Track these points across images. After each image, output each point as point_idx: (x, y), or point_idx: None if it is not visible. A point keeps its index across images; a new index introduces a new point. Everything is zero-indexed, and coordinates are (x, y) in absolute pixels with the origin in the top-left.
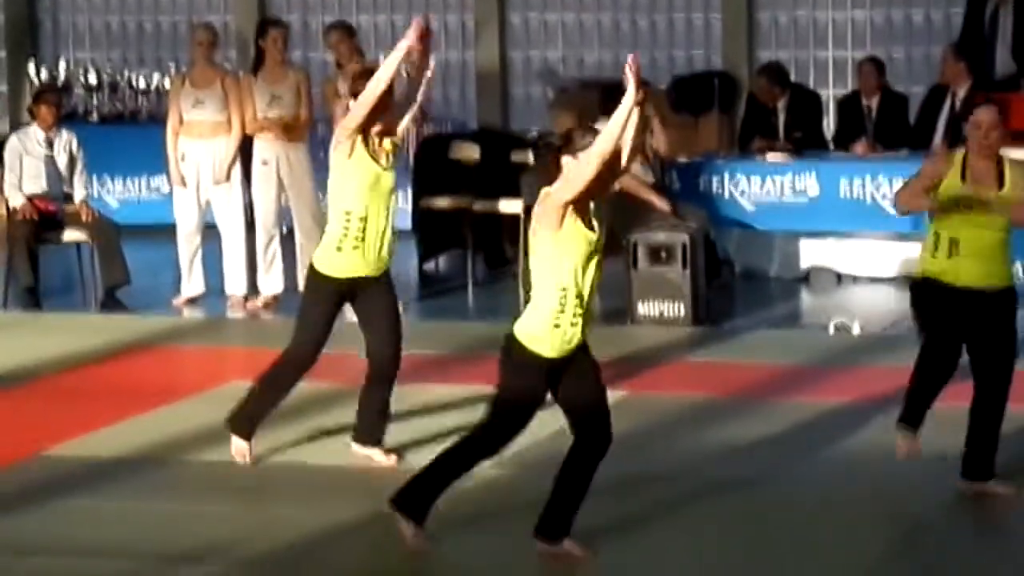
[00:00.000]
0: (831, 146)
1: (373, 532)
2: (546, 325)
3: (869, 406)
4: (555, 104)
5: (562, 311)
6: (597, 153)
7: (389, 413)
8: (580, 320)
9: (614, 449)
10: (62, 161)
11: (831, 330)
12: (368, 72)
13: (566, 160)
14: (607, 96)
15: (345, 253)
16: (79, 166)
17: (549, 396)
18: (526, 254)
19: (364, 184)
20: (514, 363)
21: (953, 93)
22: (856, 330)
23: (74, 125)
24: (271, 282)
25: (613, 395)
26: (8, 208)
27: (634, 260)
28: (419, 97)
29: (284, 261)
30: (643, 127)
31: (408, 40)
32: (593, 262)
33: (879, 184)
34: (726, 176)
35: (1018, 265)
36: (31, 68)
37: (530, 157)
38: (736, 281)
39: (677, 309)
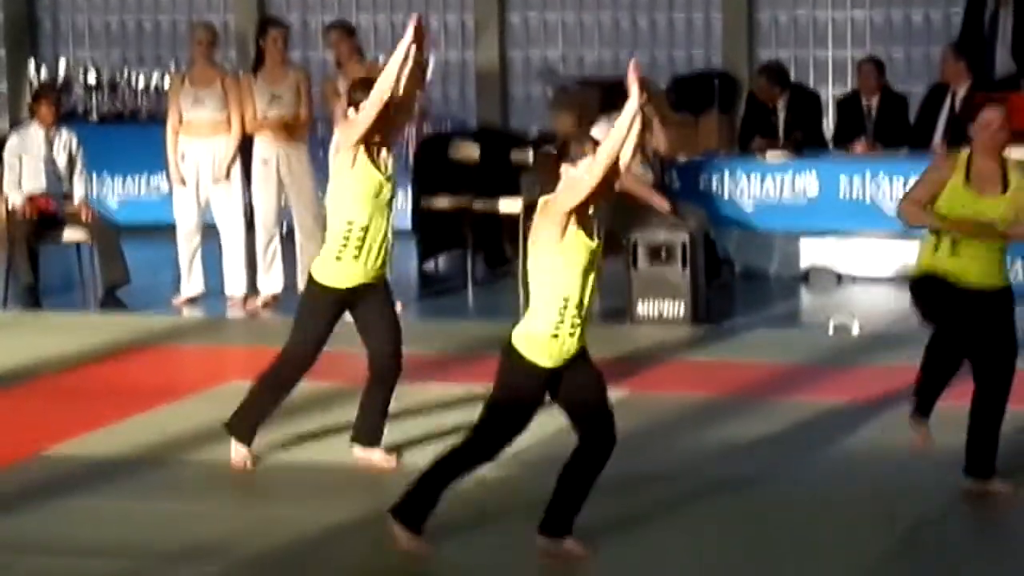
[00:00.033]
0: (831, 146)
1: (373, 531)
2: (545, 335)
3: (868, 405)
4: (555, 103)
5: (561, 321)
6: (601, 161)
7: (388, 414)
8: (579, 329)
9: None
10: (62, 160)
11: (831, 329)
12: (367, 82)
13: (565, 168)
14: (607, 95)
15: (345, 263)
16: (79, 165)
17: (548, 397)
18: (526, 253)
19: (367, 194)
20: (512, 371)
21: (953, 93)
22: (856, 329)
23: (74, 124)
24: (271, 282)
25: (614, 394)
26: (8, 207)
27: (634, 259)
28: (418, 100)
29: (284, 261)
30: (643, 127)
31: (406, 41)
32: (592, 270)
33: (879, 184)
34: (726, 175)
35: (1019, 264)
36: (31, 67)
37: (530, 157)
38: (736, 280)
39: (677, 308)
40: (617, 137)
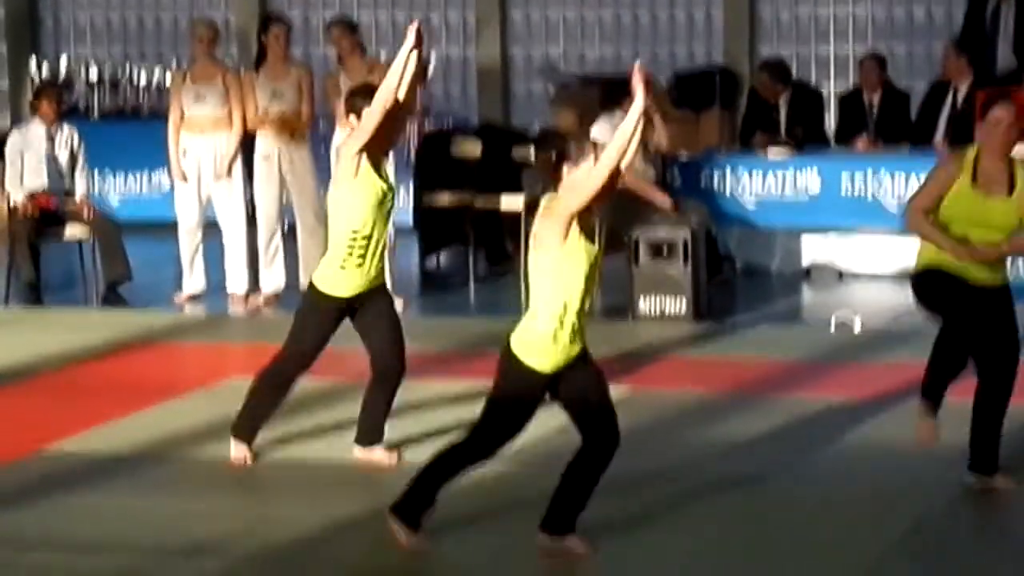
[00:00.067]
0: (832, 142)
1: (374, 528)
2: (544, 339)
3: (870, 402)
4: (556, 100)
5: (561, 326)
6: (607, 163)
7: (389, 414)
8: (579, 333)
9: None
10: (63, 157)
11: (832, 326)
12: (367, 88)
13: (568, 168)
14: (608, 92)
15: (349, 271)
16: (80, 162)
17: (548, 396)
18: (527, 250)
19: (371, 204)
20: (510, 374)
21: (955, 89)
22: (857, 326)
23: (75, 121)
24: (272, 278)
25: (615, 392)
26: (9, 204)
27: (635, 256)
28: (419, 97)
29: (286, 257)
30: (645, 124)
31: (406, 48)
32: (592, 275)
33: (880, 180)
34: (727, 172)
35: (1020, 263)
36: (32, 64)
37: (531, 153)
38: (737, 277)
39: (678, 305)
40: (623, 139)
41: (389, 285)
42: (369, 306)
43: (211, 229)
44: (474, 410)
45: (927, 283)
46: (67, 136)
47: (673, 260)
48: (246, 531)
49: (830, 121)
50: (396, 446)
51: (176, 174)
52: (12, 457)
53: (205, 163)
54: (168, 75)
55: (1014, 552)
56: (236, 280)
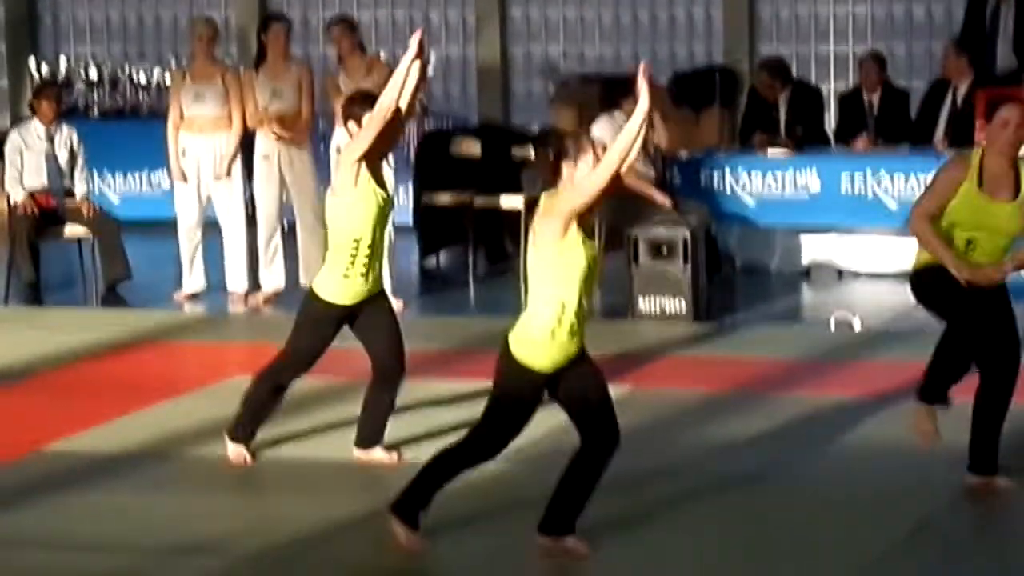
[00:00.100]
0: (832, 141)
1: (373, 527)
2: (542, 337)
3: (870, 401)
4: (556, 99)
5: (559, 324)
6: (610, 164)
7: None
8: (578, 332)
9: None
10: (63, 156)
11: (832, 325)
12: (365, 95)
13: (568, 165)
14: (608, 91)
15: (352, 280)
16: (80, 161)
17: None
18: (527, 249)
19: (372, 213)
20: (509, 374)
21: (954, 88)
22: (857, 325)
23: (75, 120)
24: (272, 277)
25: (615, 391)
26: (9, 203)
27: (635, 256)
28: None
29: (285, 256)
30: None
31: (408, 58)
32: (591, 273)
33: (880, 179)
34: (727, 171)
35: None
36: (31, 63)
37: (531, 152)
38: (737, 276)
39: (678, 305)
40: (627, 140)
41: (389, 286)
42: (369, 310)
43: (211, 228)
44: (474, 410)
45: (927, 282)
46: (67, 135)
47: (673, 260)
48: (246, 530)
49: (830, 120)
50: (396, 446)
51: (175, 174)
52: (12, 456)
53: (205, 163)
54: (167, 74)
55: (1015, 552)
56: (236, 279)
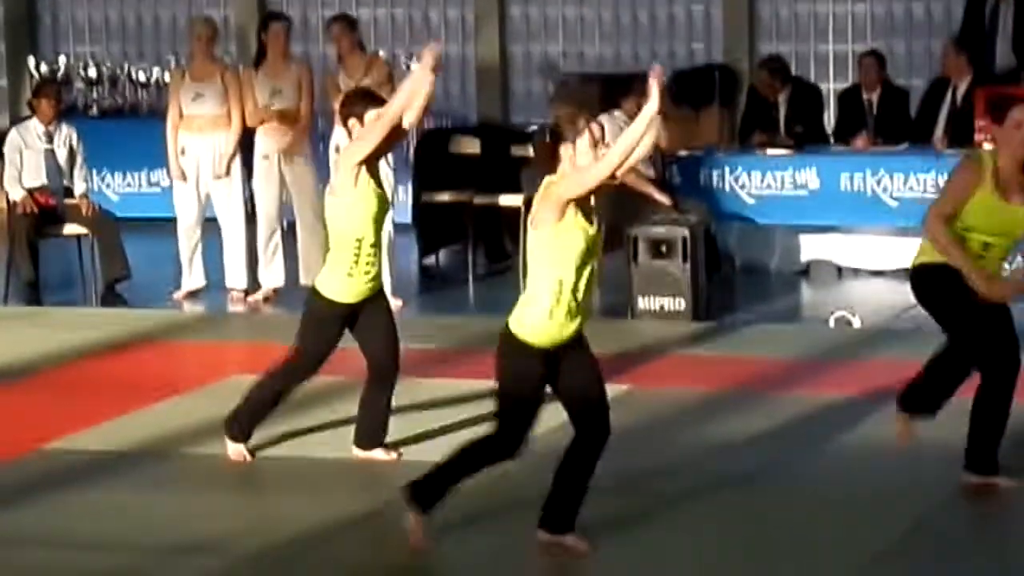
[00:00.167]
0: (832, 140)
1: (374, 526)
2: (541, 317)
3: (870, 400)
4: (555, 98)
5: (557, 303)
6: (613, 158)
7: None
8: (576, 313)
9: (614, 444)
10: (62, 155)
11: (832, 324)
12: (363, 94)
13: (566, 149)
14: (608, 90)
15: (357, 278)
16: (79, 160)
17: (549, 390)
18: (526, 247)
19: (372, 211)
20: (510, 356)
21: (954, 87)
22: (857, 324)
23: (74, 119)
24: (272, 276)
25: (614, 390)
26: (8, 202)
27: (634, 254)
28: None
29: (285, 255)
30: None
31: (423, 72)
32: (590, 257)
33: (880, 178)
34: (726, 170)
35: (1019, 260)
36: (31, 62)
37: (530, 151)
38: (736, 275)
39: (677, 303)
40: (632, 137)
41: (388, 285)
42: (369, 310)
43: (210, 227)
44: (474, 409)
45: (928, 281)
46: (66, 134)
47: (672, 258)
48: (246, 529)
49: (829, 119)
50: (395, 445)
51: (175, 173)
52: (12, 455)
53: (204, 162)
54: (167, 73)
55: (1014, 552)
56: (235, 278)
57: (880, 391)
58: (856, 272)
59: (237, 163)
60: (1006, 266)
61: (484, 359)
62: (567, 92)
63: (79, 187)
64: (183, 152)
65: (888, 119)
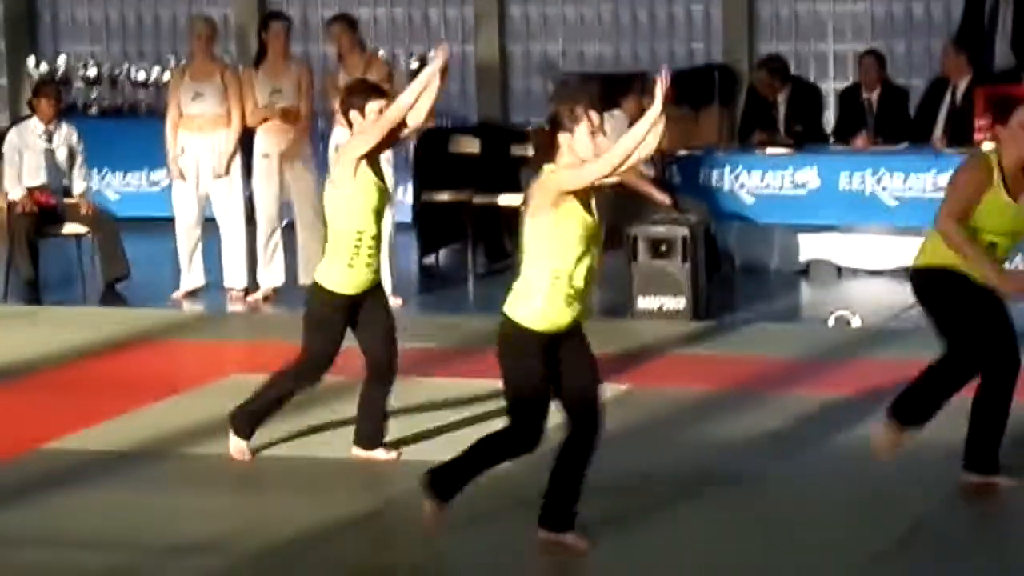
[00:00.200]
0: (831, 139)
1: (374, 526)
2: (536, 303)
3: (869, 399)
4: (555, 97)
5: (552, 290)
6: (612, 160)
7: (387, 415)
8: (572, 302)
9: (614, 443)
10: (62, 154)
11: (831, 323)
12: (363, 86)
13: (565, 138)
14: (607, 89)
15: (357, 269)
16: (79, 159)
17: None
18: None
19: (372, 203)
20: (511, 346)
21: (953, 86)
22: (856, 323)
23: (74, 119)
24: (271, 275)
25: (614, 389)
26: (8, 202)
27: (634, 254)
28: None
29: (284, 255)
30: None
31: (430, 73)
32: (587, 247)
33: (879, 177)
34: (726, 169)
35: (1019, 258)
36: (30, 62)
37: (530, 151)
38: (736, 274)
39: (677, 303)
40: (635, 138)
41: (389, 284)
42: (368, 304)
43: (210, 226)
44: (474, 408)
45: (931, 283)
46: (65, 134)
47: (672, 258)
48: (246, 529)
49: (829, 118)
50: (395, 444)
51: (174, 172)
52: (11, 454)
53: (203, 161)
54: (166, 73)
55: (1014, 552)
56: (235, 277)
57: (879, 391)
58: (855, 271)
59: (237, 162)
60: (1006, 266)
61: (484, 358)
62: (567, 91)
63: (79, 186)
64: (183, 151)
65: (888, 119)
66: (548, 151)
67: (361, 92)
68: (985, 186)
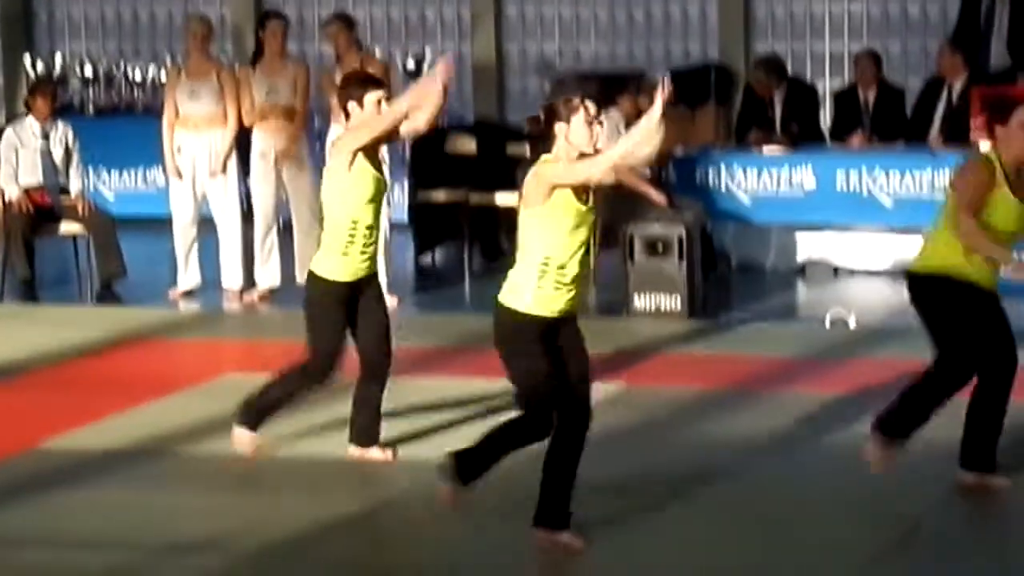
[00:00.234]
0: (827, 139)
1: (371, 525)
2: (529, 289)
3: (866, 399)
4: (552, 97)
5: (542, 275)
6: (607, 162)
7: (382, 411)
8: (564, 289)
9: (610, 443)
10: (58, 153)
11: (827, 323)
12: (360, 77)
13: (560, 128)
14: (604, 88)
15: (351, 257)
16: (75, 158)
17: None
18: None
19: (369, 194)
20: (508, 333)
21: (949, 86)
22: (852, 323)
23: (70, 117)
24: (268, 274)
25: (610, 388)
26: (4, 200)
27: (630, 253)
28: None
29: (281, 254)
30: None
31: (434, 83)
32: (580, 235)
33: (875, 177)
34: (722, 169)
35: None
36: (27, 60)
37: (527, 150)
38: (732, 274)
39: (673, 302)
40: (630, 146)
41: (385, 283)
42: (364, 296)
43: (206, 225)
44: (472, 407)
45: (931, 289)
46: (62, 132)
47: (668, 257)
48: (244, 528)
49: (825, 118)
50: (392, 444)
51: (170, 171)
52: (7, 453)
53: (200, 160)
54: (163, 71)
55: (1014, 552)
56: (231, 276)
57: (876, 390)
58: (852, 271)
59: (233, 161)
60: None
61: (481, 357)
62: (563, 90)
63: (75, 185)
64: (179, 150)
65: (884, 118)
66: (544, 140)
67: (359, 83)
68: (993, 186)
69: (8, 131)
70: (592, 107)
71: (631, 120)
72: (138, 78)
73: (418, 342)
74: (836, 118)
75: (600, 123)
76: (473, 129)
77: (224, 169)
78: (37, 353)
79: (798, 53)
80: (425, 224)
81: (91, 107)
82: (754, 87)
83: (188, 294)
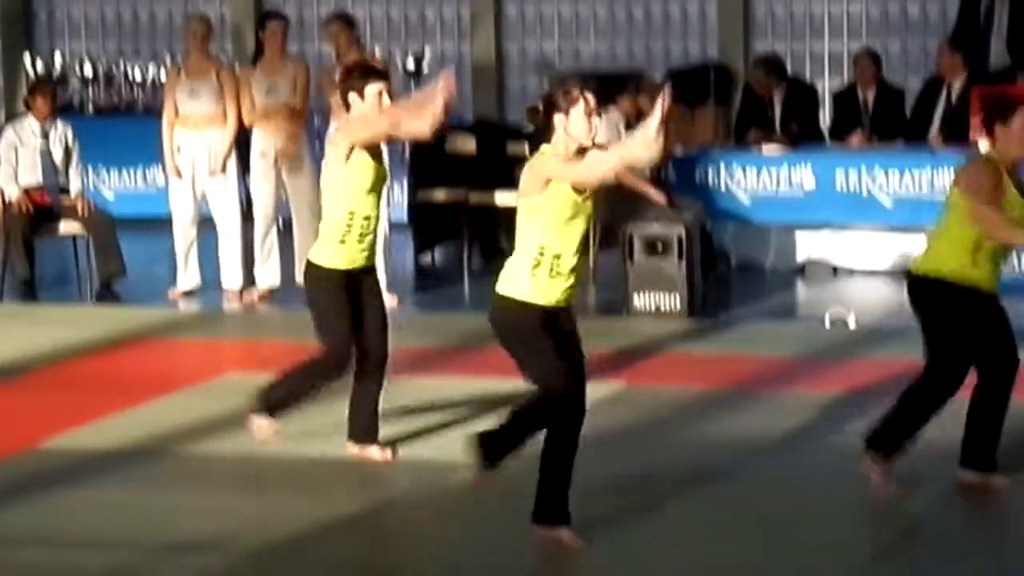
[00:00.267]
0: (827, 138)
1: (371, 525)
2: (525, 278)
3: (865, 398)
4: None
5: (538, 264)
6: (608, 166)
7: (379, 408)
8: (560, 278)
9: (610, 442)
10: (58, 153)
11: (827, 322)
12: (361, 68)
13: (560, 120)
14: (603, 87)
15: (349, 245)
16: (75, 158)
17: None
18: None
19: (367, 185)
20: (507, 323)
21: (949, 86)
22: (852, 322)
23: (70, 117)
24: (268, 274)
25: (609, 387)
26: (4, 200)
27: (630, 252)
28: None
29: (281, 253)
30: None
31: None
32: (575, 224)
33: (875, 176)
34: (722, 168)
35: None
36: (26, 60)
37: (526, 149)
38: (732, 273)
39: (673, 301)
40: (629, 155)
41: (384, 282)
42: (362, 290)
43: (206, 225)
44: (471, 406)
45: (933, 293)
46: (61, 132)
47: (668, 256)
48: (244, 528)
49: (825, 117)
50: (391, 443)
51: (170, 171)
52: (6, 453)
53: (200, 159)
54: (163, 71)
55: (1013, 552)
56: (231, 276)
57: (875, 390)
58: (851, 271)
59: (233, 161)
60: (1004, 267)
61: (480, 356)
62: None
63: (75, 185)
64: (179, 150)
65: (883, 118)
66: (543, 131)
67: (361, 75)
68: (1001, 186)
69: (8, 131)
70: (591, 99)
71: (631, 119)
72: (138, 78)
73: (418, 342)
74: (835, 118)
75: (599, 115)
76: (473, 128)
77: (224, 168)
78: (37, 353)
79: (798, 53)
80: (425, 223)
81: (91, 107)
82: (753, 87)
83: (188, 294)
